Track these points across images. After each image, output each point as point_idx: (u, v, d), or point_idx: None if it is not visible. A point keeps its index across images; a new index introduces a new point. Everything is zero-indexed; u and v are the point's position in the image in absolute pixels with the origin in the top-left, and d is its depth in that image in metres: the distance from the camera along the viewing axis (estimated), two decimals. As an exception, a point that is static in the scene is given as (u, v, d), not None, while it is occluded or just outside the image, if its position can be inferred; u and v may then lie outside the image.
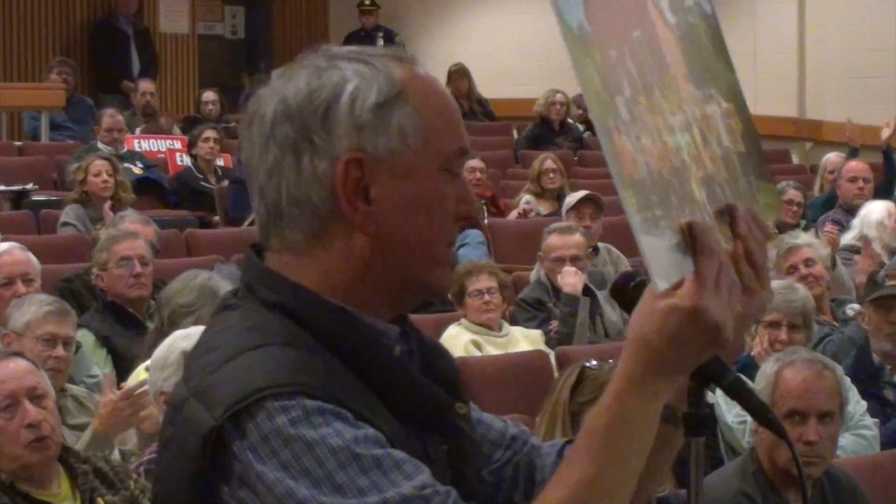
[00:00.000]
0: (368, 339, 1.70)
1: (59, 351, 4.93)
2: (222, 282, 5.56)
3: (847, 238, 8.38)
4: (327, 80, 1.71)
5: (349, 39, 14.89)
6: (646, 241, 1.59)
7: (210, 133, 10.71)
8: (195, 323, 4.74)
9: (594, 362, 3.94)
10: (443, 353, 1.87)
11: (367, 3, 14.98)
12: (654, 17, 1.76)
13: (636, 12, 1.73)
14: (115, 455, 4.39)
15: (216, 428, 1.59)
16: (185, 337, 4.17)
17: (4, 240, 6.90)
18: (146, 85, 12.79)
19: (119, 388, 4.68)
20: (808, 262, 6.61)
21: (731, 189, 1.81)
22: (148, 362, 4.44)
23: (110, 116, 11.01)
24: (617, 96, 1.62)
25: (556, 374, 5.85)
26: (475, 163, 9.94)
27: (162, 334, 4.54)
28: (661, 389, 1.65)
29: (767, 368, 4.15)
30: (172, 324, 4.99)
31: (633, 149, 1.61)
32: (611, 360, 3.91)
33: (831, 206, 9.49)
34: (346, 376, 1.66)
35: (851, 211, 8.91)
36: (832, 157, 10.49)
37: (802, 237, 7.14)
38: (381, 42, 14.80)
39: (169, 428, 1.69)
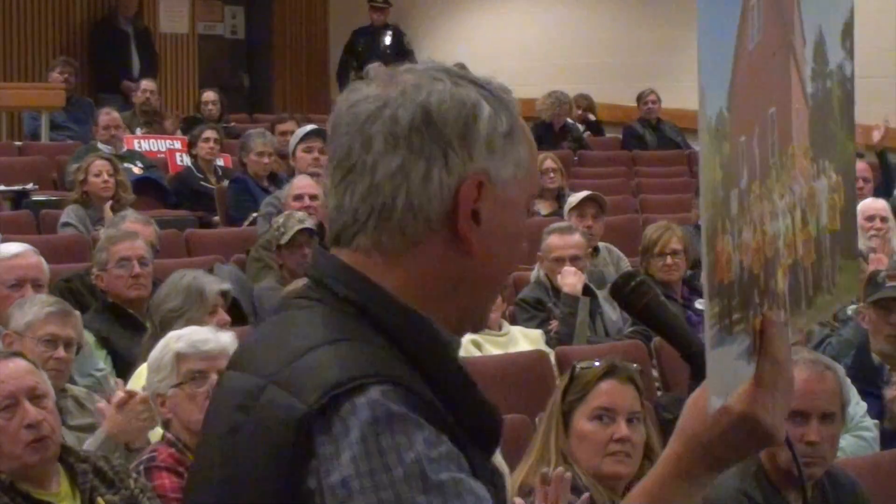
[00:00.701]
0: (439, 345, 1.71)
1: (61, 352, 4.92)
2: (209, 279, 5.56)
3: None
4: (466, 97, 1.73)
5: (357, 35, 14.90)
6: (713, 356, 1.61)
7: (210, 133, 10.71)
8: (185, 325, 4.73)
9: (591, 364, 3.93)
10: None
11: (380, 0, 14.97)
12: (794, 89, 1.82)
13: (779, 87, 1.79)
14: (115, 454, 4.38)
15: (309, 414, 1.58)
16: (178, 339, 4.19)
17: (5, 240, 6.90)
18: (148, 84, 12.78)
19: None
20: None
21: (815, 272, 1.86)
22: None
23: (106, 114, 11.04)
24: (733, 190, 1.66)
25: (556, 374, 5.86)
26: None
27: (157, 338, 4.54)
28: (705, 482, 1.70)
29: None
30: (164, 328, 5.01)
31: (732, 248, 1.66)
32: (597, 363, 3.92)
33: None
34: (416, 376, 1.66)
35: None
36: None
37: None
38: (387, 40, 14.80)
39: (236, 415, 1.66)
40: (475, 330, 1.81)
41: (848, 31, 1.99)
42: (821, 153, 1.89)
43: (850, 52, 2.00)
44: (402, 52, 14.61)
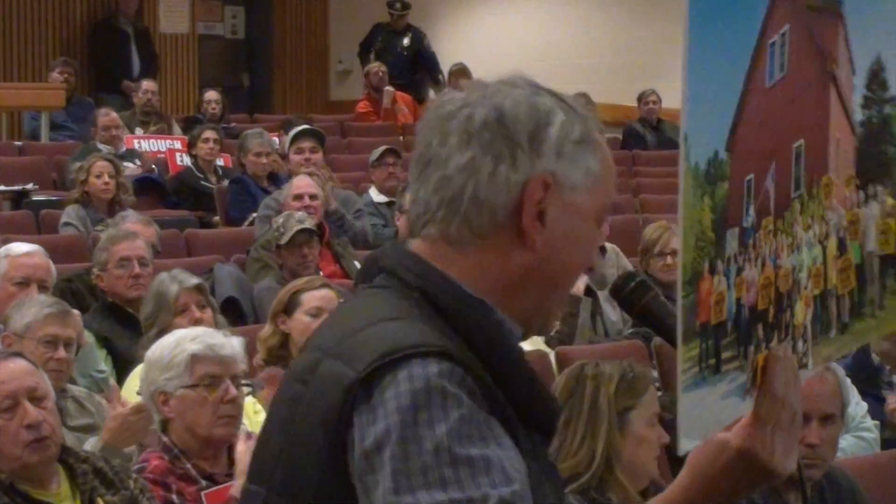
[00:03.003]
0: (501, 332, 1.77)
1: (61, 352, 4.90)
2: (178, 278, 5.52)
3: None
4: (541, 103, 1.81)
5: (375, 31, 14.91)
6: (687, 399, 1.65)
7: (209, 133, 10.71)
8: (159, 334, 4.63)
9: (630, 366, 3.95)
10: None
11: (399, 6, 14.97)
12: (834, 119, 1.85)
13: (812, 118, 1.82)
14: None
15: (359, 380, 1.67)
16: (193, 339, 4.08)
17: (5, 240, 6.90)
18: (149, 84, 12.76)
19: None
20: None
21: (854, 299, 1.89)
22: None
23: (105, 115, 11.06)
24: (730, 229, 1.69)
25: (555, 374, 5.85)
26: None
27: (153, 341, 4.51)
28: None
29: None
30: (148, 335, 5.01)
31: (727, 287, 1.69)
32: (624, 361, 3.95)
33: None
34: (476, 361, 1.72)
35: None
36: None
37: None
38: (407, 41, 14.80)
39: (297, 386, 1.75)
40: (540, 333, 1.88)
41: None
42: (871, 178, 1.92)
43: None
44: (420, 53, 14.65)
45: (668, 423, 4.45)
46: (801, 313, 1.81)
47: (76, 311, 5.26)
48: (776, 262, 1.76)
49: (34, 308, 4.97)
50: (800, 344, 1.81)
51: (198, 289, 5.52)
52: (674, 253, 7.17)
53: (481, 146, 1.78)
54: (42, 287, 5.82)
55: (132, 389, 4.69)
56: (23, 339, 4.87)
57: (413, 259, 1.80)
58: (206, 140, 10.62)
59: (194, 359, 3.99)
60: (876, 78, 1.91)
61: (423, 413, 1.63)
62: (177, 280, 5.48)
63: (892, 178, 1.96)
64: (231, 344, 4.08)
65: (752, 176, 1.71)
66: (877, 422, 5.34)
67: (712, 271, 1.67)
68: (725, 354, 1.69)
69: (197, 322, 5.18)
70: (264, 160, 9.87)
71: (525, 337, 1.84)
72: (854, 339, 1.96)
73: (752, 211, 1.72)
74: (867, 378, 5.61)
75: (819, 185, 1.83)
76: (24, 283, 5.79)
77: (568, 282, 1.85)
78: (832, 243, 1.86)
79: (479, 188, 1.77)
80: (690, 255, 1.64)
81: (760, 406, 1.72)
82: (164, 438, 4.01)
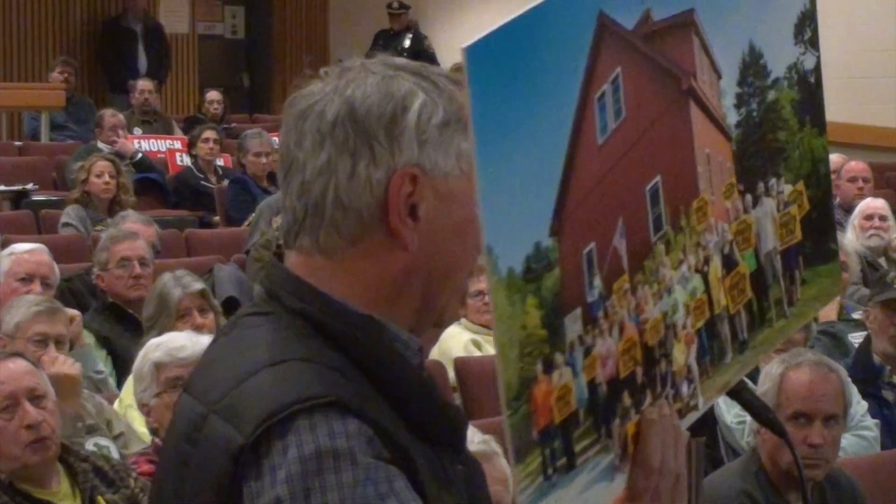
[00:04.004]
0: (392, 349, 1.67)
1: (52, 350, 4.90)
2: (181, 281, 5.50)
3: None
4: (396, 89, 1.67)
5: (378, 38, 14.89)
6: None
7: (210, 133, 10.71)
8: (160, 334, 4.69)
9: None
10: (438, 385, 1.82)
11: (396, 5, 14.95)
12: (699, 137, 1.74)
13: (668, 150, 1.70)
14: (115, 453, 4.39)
15: (246, 446, 1.55)
16: (157, 347, 4.19)
17: (5, 240, 6.91)
18: (145, 84, 12.75)
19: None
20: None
21: (755, 308, 1.81)
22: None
23: (112, 116, 11.05)
24: (571, 313, 1.57)
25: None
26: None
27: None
28: None
29: (773, 370, 4.12)
30: (148, 336, 5.01)
31: (572, 377, 1.57)
32: None
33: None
34: (366, 389, 1.61)
35: (851, 211, 8.91)
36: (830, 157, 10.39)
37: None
38: (407, 42, 14.79)
39: (185, 445, 1.64)
40: (437, 325, 1.74)
41: (804, 23, 1.91)
42: (759, 176, 1.82)
43: (809, 43, 1.91)
44: (420, 55, 14.62)
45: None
46: (682, 355, 1.71)
47: (71, 310, 5.26)
48: (639, 319, 1.64)
49: (23, 308, 4.97)
50: (684, 387, 1.72)
51: (201, 294, 5.51)
52: None
53: (336, 146, 1.65)
54: (45, 284, 5.85)
55: (132, 390, 4.70)
56: (14, 339, 4.86)
57: (293, 282, 1.67)
58: (207, 140, 10.62)
59: (158, 367, 4.15)
60: (750, 69, 1.81)
61: (314, 481, 1.52)
62: (180, 284, 5.47)
63: (787, 165, 1.87)
64: (194, 345, 4.15)
65: (592, 245, 1.59)
66: (876, 421, 5.34)
67: (548, 370, 1.54)
68: (580, 445, 1.58)
69: (199, 327, 5.18)
70: (264, 160, 9.87)
71: (418, 334, 1.72)
72: (757, 352, 1.87)
73: (597, 281, 1.59)
74: (867, 378, 5.60)
75: (689, 213, 1.71)
76: (27, 280, 5.82)
77: (460, 272, 1.70)
78: (714, 266, 1.75)
79: (339, 191, 1.64)
80: (514, 369, 1.50)
81: (635, 479, 1.63)
82: (157, 440, 4.13)
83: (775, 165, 1.86)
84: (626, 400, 1.64)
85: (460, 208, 1.66)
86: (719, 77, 1.77)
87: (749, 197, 1.82)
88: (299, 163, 1.67)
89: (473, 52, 1.43)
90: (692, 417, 1.76)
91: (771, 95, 1.85)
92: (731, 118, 1.79)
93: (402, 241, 1.65)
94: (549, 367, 1.54)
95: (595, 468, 1.60)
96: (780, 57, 1.87)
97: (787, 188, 1.88)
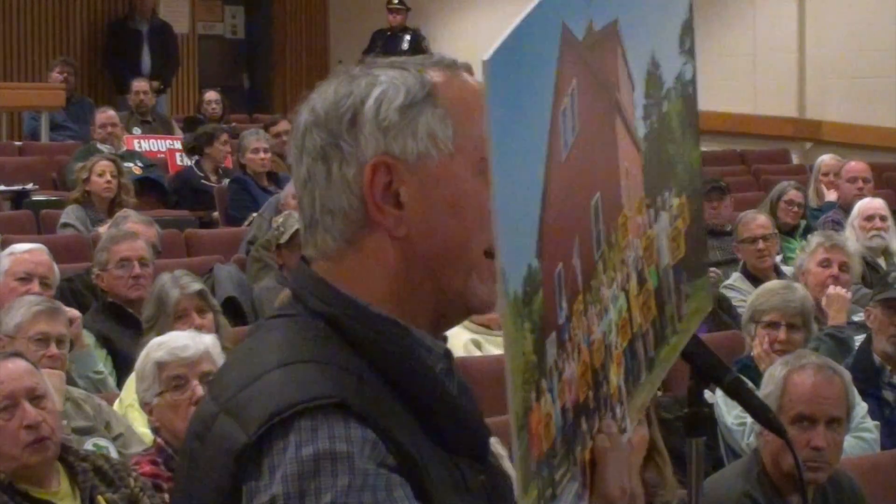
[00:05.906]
0: (413, 354, 1.66)
1: (53, 349, 4.90)
2: (180, 282, 5.50)
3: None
4: (356, 86, 1.69)
5: (376, 38, 14.87)
6: None
7: (225, 136, 10.69)
8: (158, 335, 4.67)
9: None
10: (470, 392, 1.81)
11: (396, 2, 14.91)
12: (622, 151, 1.71)
13: (604, 165, 1.67)
14: (114, 453, 4.39)
15: (250, 445, 1.56)
16: (159, 346, 4.20)
17: (5, 240, 6.91)
18: (140, 84, 12.69)
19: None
20: (843, 266, 6.67)
21: (656, 328, 1.77)
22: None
23: (103, 112, 11.11)
24: (549, 338, 1.54)
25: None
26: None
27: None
28: None
29: (776, 372, 4.11)
30: (148, 337, 5.01)
31: (552, 404, 1.55)
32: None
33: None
34: (382, 394, 1.61)
35: (851, 211, 8.91)
36: (826, 158, 10.20)
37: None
38: (406, 43, 14.78)
39: (195, 443, 1.66)
40: (467, 313, 1.72)
41: (686, 31, 1.87)
42: (658, 190, 1.79)
43: (688, 52, 1.87)
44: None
45: (667, 423, 4.45)
46: (616, 376, 1.67)
47: (71, 310, 5.26)
48: (589, 339, 1.61)
49: (23, 308, 4.97)
50: (618, 409, 1.68)
51: (199, 295, 5.49)
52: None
53: (310, 155, 1.68)
54: (44, 284, 5.85)
55: (133, 390, 4.70)
56: (14, 339, 4.86)
57: (317, 284, 1.69)
58: (225, 143, 10.60)
59: (160, 366, 4.14)
60: (653, 80, 1.77)
61: (310, 483, 1.52)
62: (178, 285, 5.46)
63: (675, 177, 1.83)
64: (196, 344, 4.14)
65: (560, 265, 1.55)
66: (877, 422, 5.34)
67: (538, 397, 1.51)
68: (558, 473, 1.55)
69: (197, 328, 5.17)
70: (262, 155, 9.85)
71: (446, 328, 1.71)
72: (661, 370, 1.82)
73: (564, 303, 1.55)
74: (867, 379, 5.60)
75: (616, 229, 1.68)
76: (26, 279, 5.82)
77: (462, 250, 1.66)
78: (632, 282, 1.71)
79: (323, 198, 1.67)
80: (519, 397, 1.48)
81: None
82: (159, 440, 4.14)
83: (667, 179, 1.83)
84: (584, 425, 1.62)
85: (447, 187, 1.66)
86: (633, 88, 1.75)
87: (651, 211, 1.79)
88: (295, 178, 1.72)
89: (495, 62, 1.42)
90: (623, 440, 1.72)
91: (665, 107, 1.82)
92: (641, 130, 1.75)
93: (389, 231, 1.65)
94: (539, 394, 1.53)
95: (568, 496, 1.59)
96: (670, 67, 1.83)
97: (675, 201, 1.84)
